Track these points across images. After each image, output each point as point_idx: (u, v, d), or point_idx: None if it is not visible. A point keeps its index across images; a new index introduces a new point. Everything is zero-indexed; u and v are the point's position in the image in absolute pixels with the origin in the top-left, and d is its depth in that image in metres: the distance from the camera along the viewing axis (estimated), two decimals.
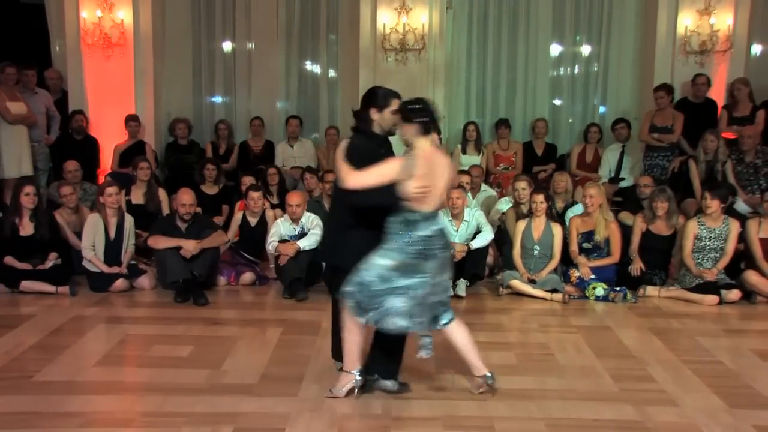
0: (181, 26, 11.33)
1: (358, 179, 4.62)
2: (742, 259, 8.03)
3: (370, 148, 4.82)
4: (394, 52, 10.38)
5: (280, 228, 8.03)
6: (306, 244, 7.84)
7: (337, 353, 5.25)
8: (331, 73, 11.55)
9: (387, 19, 10.32)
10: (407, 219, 4.68)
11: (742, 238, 7.92)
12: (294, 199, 8.07)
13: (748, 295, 7.69)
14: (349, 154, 4.72)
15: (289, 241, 7.91)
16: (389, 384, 5.12)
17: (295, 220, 8.01)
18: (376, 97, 4.93)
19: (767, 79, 10.38)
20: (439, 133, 4.98)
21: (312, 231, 7.96)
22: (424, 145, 4.73)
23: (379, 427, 4.62)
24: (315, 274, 7.93)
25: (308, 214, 8.10)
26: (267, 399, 4.98)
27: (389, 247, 4.73)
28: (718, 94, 10.13)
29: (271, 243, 7.94)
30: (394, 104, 4.89)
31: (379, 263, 4.71)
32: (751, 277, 7.71)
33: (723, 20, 10.16)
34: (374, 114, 4.88)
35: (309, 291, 7.77)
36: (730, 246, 7.82)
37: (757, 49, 11.03)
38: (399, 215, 4.70)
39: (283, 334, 6.49)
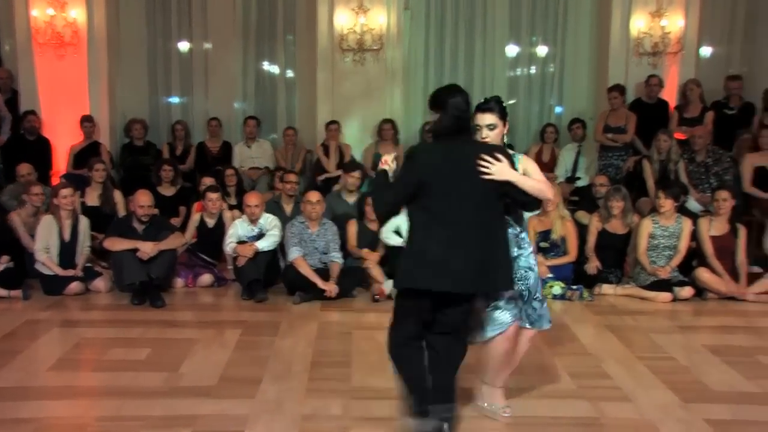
0: (137, 25, 11.19)
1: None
2: (694, 256, 8.14)
3: None
4: (352, 53, 10.35)
5: (238, 229, 7.97)
6: (264, 245, 7.80)
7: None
8: (289, 73, 11.49)
9: (344, 20, 10.29)
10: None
11: (694, 236, 8.03)
12: (252, 199, 8.01)
13: (700, 292, 7.81)
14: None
15: (247, 242, 7.85)
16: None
17: (254, 221, 7.96)
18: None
19: (716, 80, 10.50)
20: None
21: (270, 232, 7.92)
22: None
23: (339, 428, 4.60)
24: (273, 274, 7.90)
25: (266, 215, 8.05)
26: (225, 401, 4.93)
27: (521, 236, 4.54)
28: (670, 94, 10.27)
29: (229, 244, 7.87)
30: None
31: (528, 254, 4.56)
32: (703, 274, 7.83)
33: (674, 22, 10.29)
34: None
35: (267, 292, 7.71)
36: (683, 244, 7.93)
37: (706, 51, 11.19)
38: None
39: (242, 336, 6.44)
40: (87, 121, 10.22)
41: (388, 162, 4.52)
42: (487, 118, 4.43)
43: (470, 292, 4.22)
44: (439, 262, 4.08)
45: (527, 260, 4.52)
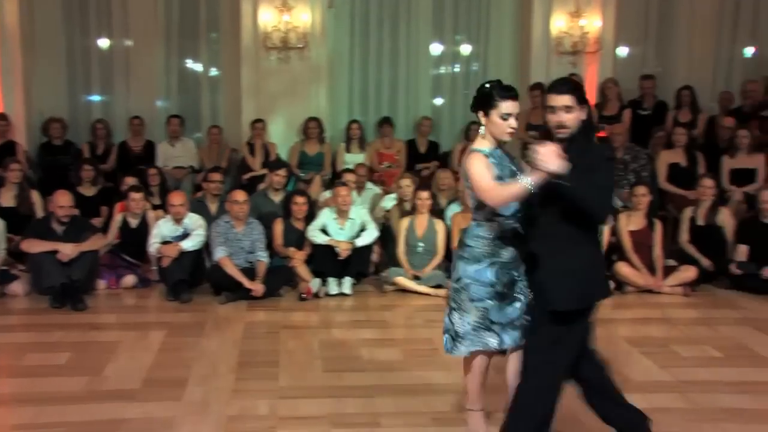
0: (53, 21, 10.76)
1: None
2: (614, 251, 8.25)
3: None
4: (277, 51, 10.21)
5: (162, 229, 7.79)
6: (189, 245, 7.65)
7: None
8: (213, 71, 11.26)
9: (268, 18, 10.15)
10: None
11: (614, 231, 8.15)
12: (176, 199, 7.84)
13: (620, 285, 7.93)
14: None
15: (171, 242, 7.68)
16: None
17: (178, 220, 7.79)
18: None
19: (632, 79, 10.70)
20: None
21: (195, 232, 7.77)
22: None
23: (266, 427, 4.53)
24: (198, 275, 7.75)
25: (191, 214, 7.89)
26: (150, 404, 4.81)
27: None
28: (589, 93, 10.32)
29: (153, 244, 7.70)
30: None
31: None
32: (622, 268, 7.96)
33: (592, 23, 10.43)
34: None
35: (193, 292, 7.56)
36: (605, 239, 8.02)
37: (622, 51, 11.38)
38: None
39: (166, 337, 6.30)
40: (1, 119, 9.85)
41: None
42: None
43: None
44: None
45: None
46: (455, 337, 4.14)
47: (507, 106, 3.88)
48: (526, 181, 3.49)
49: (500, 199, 3.71)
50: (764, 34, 11.48)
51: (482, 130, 4.00)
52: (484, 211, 3.92)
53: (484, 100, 3.93)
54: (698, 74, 11.15)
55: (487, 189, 3.76)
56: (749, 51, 11.59)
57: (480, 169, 3.83)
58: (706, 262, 8.13)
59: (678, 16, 11.35)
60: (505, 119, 3.89)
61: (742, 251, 8.10)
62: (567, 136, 3.73)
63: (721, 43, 11.48)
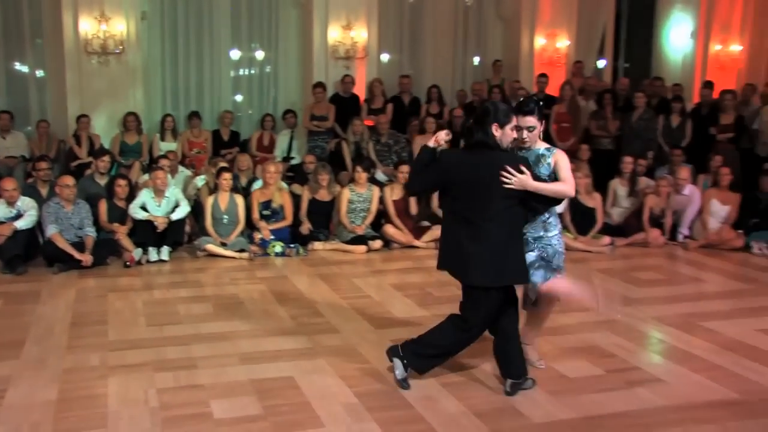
0: None
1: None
2: (382, 216, 8.52)
3: None
4: (97, 55, 9.62)
5: None
6: (22, 224, 7.12)
7: (515, 370, 4.19)
8: (40, 72, 10.42)
9: (88, 27, 9.53)
10: None
11: (381, 200, 8.41)
12: (8, 184, 7.26)
13: (387, 243, 8.20)
14: None
15: (5, 222, 7.13)
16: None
17: (11, 203, 7.23)
18: (498, 114, 3.96)
19: (393, 79, 11.01)
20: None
21: (28, 213, 7.24)
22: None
23: (98, 376, 4.38)
24: (33, 250, 7.26)
25: (24, 197, 7.33)
26: None
27: (549, 221, 4.17)
28: (360, 90, 10.61)
29: None
30: (515, 121, 4.02)
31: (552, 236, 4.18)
32: (389, 229, 8.22)
33: (359, 34, 10.60)
34: (496, 130, 3.94)
35: (28, 266, 7.06)
36: (373, 207, 8.29)
37: (385, 56, 11.68)
38: None
39: (4, 306, 5.90)
40: None
41: (441, 140, 4.09)
42: (528, 121, 4.04)
43: (473, 284, 4.00)
44: (453, 253, 4.01)
45: (549, 240, 4.15)
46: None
47: (517, 119, 4.03)
48: None
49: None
50: (486, 46, 12.16)
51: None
52: None
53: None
54: (442, 76, 11.65)
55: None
56: (476, 59, 12.26)
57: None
58: None
59: (425, 31, 11.75)
60: (517, 131, 4.04)
61: None
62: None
63: (457, 53, 12.04)
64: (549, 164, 4.08)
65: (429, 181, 4.19)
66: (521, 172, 3.85)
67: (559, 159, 4.07)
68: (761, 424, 3.86)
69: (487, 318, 4.08)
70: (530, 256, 4.11)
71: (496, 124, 3.92)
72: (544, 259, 4.14)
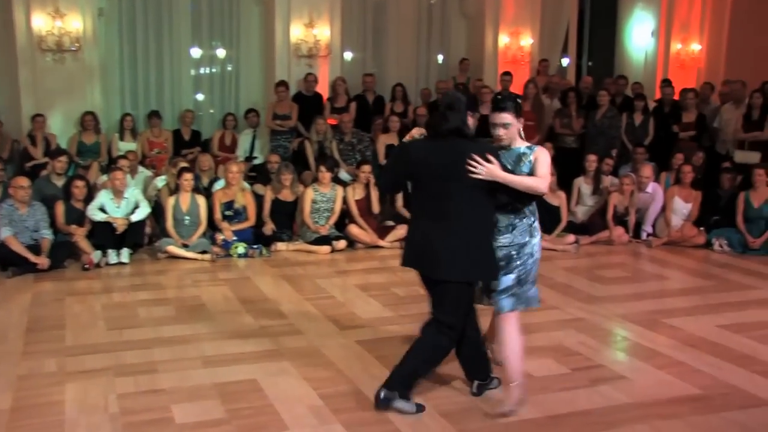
0: None
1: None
2: (346, 216, 8.51)
3: None
4: (52, 53, 9.42)
5: None
6: None
7: (481, 372, 4.21)
8: None
9: (41, 23, 9.33)
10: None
11: (345, 200, 8.40)
12: None
13: (351, 243, 8.19)
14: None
15: None
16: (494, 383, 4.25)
17: None
18: (473, 102, 3.98)
19: (357, 78, 11.00)
20: None
21: None
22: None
23: (54, 383, 4.30)
24: None
25: None
26: None
27: (534, 225, 4.01)
28: (323, 89, 10.58)
29: None
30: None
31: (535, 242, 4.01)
32: (353, 229, 8.22)
33: (322, 32, 10.57)
34: (470, 118, 3.89)
35: None
36: (337, 207, 8.27)
37: (348, 55, 11.66)
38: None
39: None
40: None
41: (414, 136, 4.03)
42: (503, 117, 3.93)
43: (443, 279, 3.83)
44: (420, 249, 3.88)
45: (531, 248, 3.98)
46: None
47: (492, 116, 3.97)
48: None
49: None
50: (450, 45, 12.21)
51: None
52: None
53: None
54: (406, 74, 11.67)
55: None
56: (440, 57, 12.31)
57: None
58: None
59: (389, 29, 11.75)
60: (492, 128, 3.98)
61: None
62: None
63: (421, 51, 12.07)
64: (530, 161, 3.95)
65: (398, 174, 4.04)
66: (489, 161, 3.73)
67: (540, 155, 3.96)
68: (723, 418, 3.94)
69: (465, 313, 3.96)
70: (507, 280, 3.95)
71: (470, 111, 3.86)
72: (520, 282, 3.97)
